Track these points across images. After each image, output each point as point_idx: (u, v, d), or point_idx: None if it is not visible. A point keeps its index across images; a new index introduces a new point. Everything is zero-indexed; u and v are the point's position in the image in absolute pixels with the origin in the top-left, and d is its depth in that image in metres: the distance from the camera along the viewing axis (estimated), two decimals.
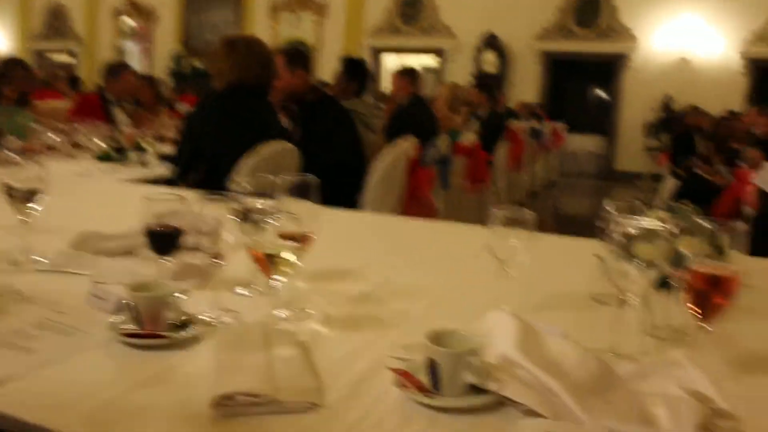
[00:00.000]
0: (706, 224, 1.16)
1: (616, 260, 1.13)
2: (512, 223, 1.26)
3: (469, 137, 5.78)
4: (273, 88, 3.84)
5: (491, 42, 14.13)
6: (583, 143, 14.70)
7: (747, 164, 5.33)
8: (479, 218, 5.68)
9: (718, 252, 1.65)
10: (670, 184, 8.51)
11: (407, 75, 5.46)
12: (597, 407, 0.89)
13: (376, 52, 15.25)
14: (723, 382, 1.10)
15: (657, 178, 10.76)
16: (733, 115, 9.48)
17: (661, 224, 1.14)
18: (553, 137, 11.19)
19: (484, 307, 1.29)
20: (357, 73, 4.70)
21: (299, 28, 15.68)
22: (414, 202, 4.52)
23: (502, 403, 0.94)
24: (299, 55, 4.06)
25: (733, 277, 1.04)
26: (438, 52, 14.92)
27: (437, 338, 0.98)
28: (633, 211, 1.44)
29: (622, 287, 1.14)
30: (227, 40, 3.36)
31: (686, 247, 1.20)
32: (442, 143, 5.14)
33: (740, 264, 1.75)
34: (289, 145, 3.31)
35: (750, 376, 1.15)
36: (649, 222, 1.13)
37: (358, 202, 3.78)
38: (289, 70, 3.86)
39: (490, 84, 7.96)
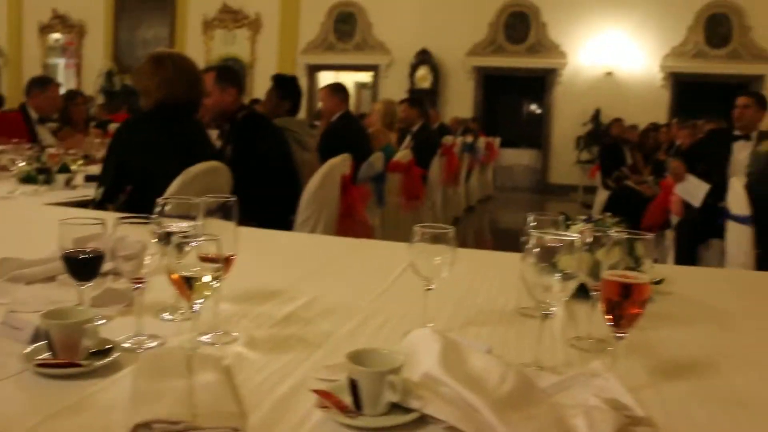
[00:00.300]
0: (624, 235, 1.18)
1: (538, 273, 1.15)
2: (434, 240, 1.27)
3: (404, 154, 5.81)
4: (202, 107, 3.80)
5: (425, 58, 14.29)
6: (518, 157, 14.97)
7: (671, 175, 5.50)
8: None
9: (636, 262, 1.70)
10: (601, 196, 8.74)
11: (337, 91, 5.45)
12: (518, 422, 0.90)
13: (312, 69, 15.25)
14: (642, 390, 1.13)
15: (590, 190, 11.03)
16: (655, 127, 9.80)
17: (579, 236, 1.16)
18: (487, 152, 11.36)
19: (411, 325, 1.30)
20: (289, 90, 4.68)
21: (234, 45, 15.57)
22: (349, 221, 4.51)
23: (425, 420, 0.95)
24: (229, 73, 4.02)
25: (644, 286, 1.07)
26: (373, 68, 15.02)
27: (358, 358, 0.97)
28: (554, 225, 1.47)
29: (542, 300, 1.15)
30: (154, 56, 3.29)
31: (605, 258, 1.22)
32: (377, 160, 5.15)
33: (660, 273, 1.81)
34: (220, 165, 3.27)
35: (668, 382, 1.18)
36: (567, 234, 1.15)
37: (293, 222, 3.76)
38: (219, 88, 3.82)
39: (422, 100, 8.01)
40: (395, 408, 0.96)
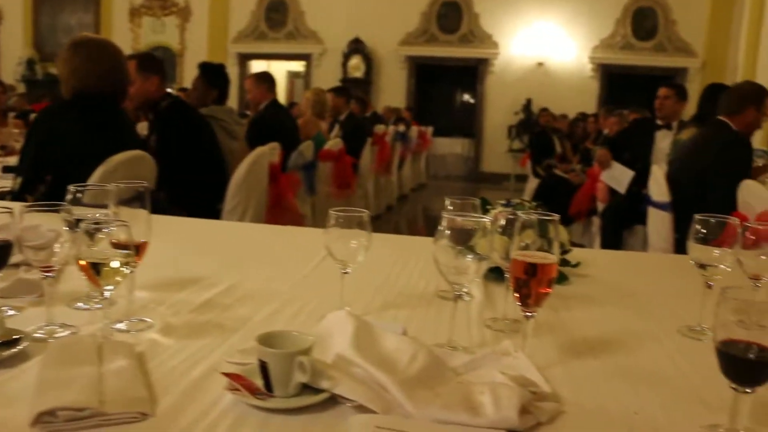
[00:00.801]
0: (540, 218, 1.21)
1: (451, 255, 1.17)
2: (349, 224, 1.28)
3: (335, 142, 5.80)
4: (126, 95, 3.72)
5: (357, 47, 14.29)
6: (451, 146, 15.12)
7: (597, 163, 5.66)
8: None
9: (549, 244, 1.75)
10: (532, 184, 8.91)
11: (263, 80, 5.40)
12: (425, 399, 0.92)
13: (243, 58, 15.06)
14: (552, 367, 1.17)
15: (522, 178, 11.23)
16: (583, 116, 10.04)
17: (493, 219, 1.19)
18: (420, 141, 11.44)
19: (329, 310, 1.31)
20: (216, 78, 4.62)
21: (163, 33, 15.23)
22: (279, 209, 4.49)
23: (335, 400, 0.96)
24: (151, 61, 3.95)
25: (550, 265, 1.11)
26: (305, 57, 14.93)
27: (268, 340, 0.98)
28: (470, 208, 1.50)
29: (455, 282, 1.18)
30: (74, 42, 3.19)
31: (521, 240, 1.25)
32: (306, 149, 5.14)
33: (579, 256, 1.86)
34: (144, 154, 3.20)
35: (577, 360, 1.22)
36: (479, 217, 1.18)
37: (221, 211, 3.72)
38: (141, 76, 3.75)
39: (348, 88, 8.01)
40: (306, 389, 0.97)
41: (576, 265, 1.81)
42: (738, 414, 0.93)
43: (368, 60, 14.31)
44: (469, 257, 1.15)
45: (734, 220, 1.36)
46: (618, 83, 14.17)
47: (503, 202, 1.83)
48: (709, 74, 12.64)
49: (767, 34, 11.76)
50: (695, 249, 1.39)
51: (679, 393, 1.10)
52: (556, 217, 1.13)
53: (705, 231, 1.37)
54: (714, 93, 4.64)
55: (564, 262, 1.78)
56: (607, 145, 5.68)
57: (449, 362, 1.06)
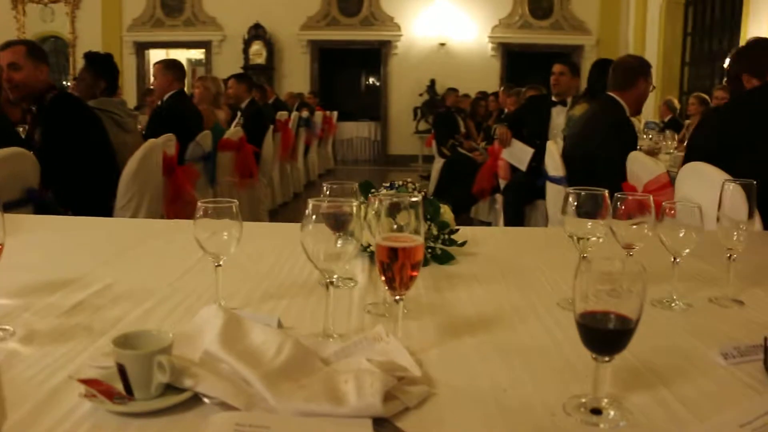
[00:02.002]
0: (411, 200, 1.20)
1: (323, 242, 1.15)
2: (219, 215, 1.24)
3: (234, 131, 5.69)
4: (7, 85, 3.53)
5: (258, 33, 14.05)
6: (357, 130, 15.13)
7: (497, 141, 5.75)
8: (253, 213, 5.59)
9: (440, 226, 1.76)
10: (438, 164, 9.00)
11: (170, 68, 5.22)
12: (289, 391, 0.90)
13: (140, 47, 14.58)
14: (429, 349, 1.17)
15: (429, 159, 11.33)
16: (483, 95, 10.20)
17: (367, 203, 1.18)
18: (325, 126, 11.38)
19: (206, 305, 1.27)
20: (103, 69, 4.43)
21: (53, 21, 14.54)
22: (178, 203, 4.38)
23: (198, 399, 0.93)
24: (40, 49, 3.76)
25: (413, 248, 1.10)
26: (205, 45, 14.58)
27: (126, 341, 0.94)
28: (349, 193, 1.48)
29: (325, 269, 1.16)
30: None
31: (395, 222, 1.24)
32: (204, 139, 5.02)
33: (466, 235, 1.88)
34: (23, 151, 3.05)
35: (456, 340, 1.23)
36: (349, 201, 1.16)
37: (113, 208, 3.59)
38: (32, 63, 3.56)
39: (249, 75, 7.88)
40: (170, 389, 0.93)
41: (462, 244, 1.82)
42: (600, 382, 0.95)
43: (270, 46, 14.10)
44: (339, 243, 1.13)
45: (603, 192, 1.39)
46: (518, 61, 14.47)
47: (387, 184, 1.83)
48: (603, 51, 13.05)
49: (652, 12, 12.27)
50: (569, 222, 1.41)
51: (552, 366, 1.12)
52: (419, 198, 1.12)
53: (576, 203, 1.40)
54: (602, 68, 4.78)
55: (450, 242, 1.79)
56: (506, 123, 5.78)
57: (321, 352, 1.05)
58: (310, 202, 1.12)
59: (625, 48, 13.16)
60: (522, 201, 5.30)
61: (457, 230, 1.84)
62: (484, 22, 14.30)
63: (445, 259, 1.74)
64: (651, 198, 1.43)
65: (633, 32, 13.12)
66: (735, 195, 1.51)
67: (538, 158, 5.11)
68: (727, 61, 3.28)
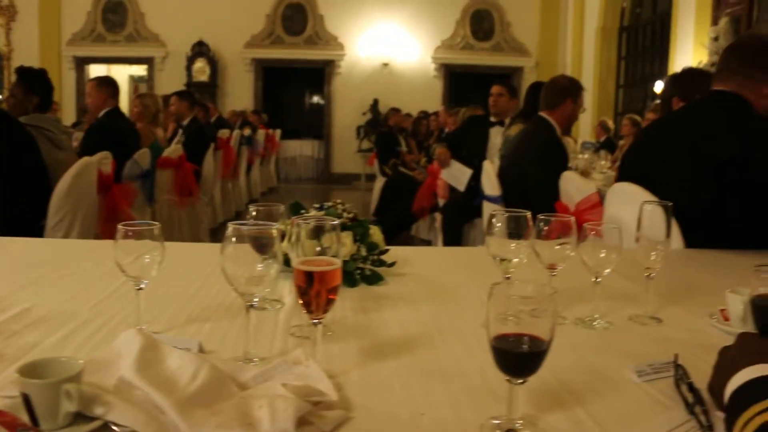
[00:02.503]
0: (332, 223, 1.20)
1: (244, 265, 1.14)
2: (139, 236, 1.22)
3: (174, 149, 5.61)
4: None
5: (202, 50, 13.94)
6: (301, 148, 15.10)
7: (436, 161, 5.80)
8: (193, 232, 5.49)
9: (369, 247, 1.76)
10: (380, 183, 9.04)
11: (104, 85, 5.13)
12: (202, 418, 0.88)
13: (80, 62, 14.30)
14: (349, 372, 1.16)
15: (372, 178, 11.37)
16: (425, 115, 10.30)
17: (280, 226, 1.17)
18: (268, 144, 11.33)
19: (127, 329, 1.24)
20: (36, 84, 4.31)
21: None
22: (114, 221, 4.28)
23: (108, 427, 0.90)
24: None
25: (330, 272, 1.10)
26: (147, 61, 14.39)
27: (33, 369, 0.91)
28: (276, 215, 1.47)
29: (245, 292, 1.15)
30: None
31: (318, 245, 1.23)
32: (142, 157, 4.93)
33: (397, 255, 1.88)
34: None
35: (378, 362, 1.22)
36: (270, 224, 1.15)
37: (44, 228, 3.49)
38: None
39: (191, 92, 7.80)
40: (80, 418, 0.90)
41: (391, 265, 1.82)
42: (515, 404, 0.96)
43: (213, 63, 14.00)
44: (260, 266, 1.12)
45: (526, 213, 1.41)
46: (460, 82, 14.68)
47: (317, 205, 1.82)
48: (543, 72, 13.35)
49: (588, 37, 12.62)
50: (493, 243, 1.43)
51: (472, 388, 1.12)
52: (337, 222, 1.12)
53: (500, 225, 1.42)
54: (537, 90, 4.87)
55: (380, 263, 1.79)
56: (445, 143, 5.84)
57: (240, 376, 1.03)
58: (230, 226, 1.11)
59: (563, 70, 13.46)
60: (460, 219, 5.35)
61: (387, 251, 1.84)
62: (427, 43, 14.47)
63: (374, 279, 1.74)
64: (573, 219, 1.46)
65: (571, 55, 13.46)
66: (653, 215, 1.55)
67: (477, 178, 5.18)
68: (661, 84, 3.43)
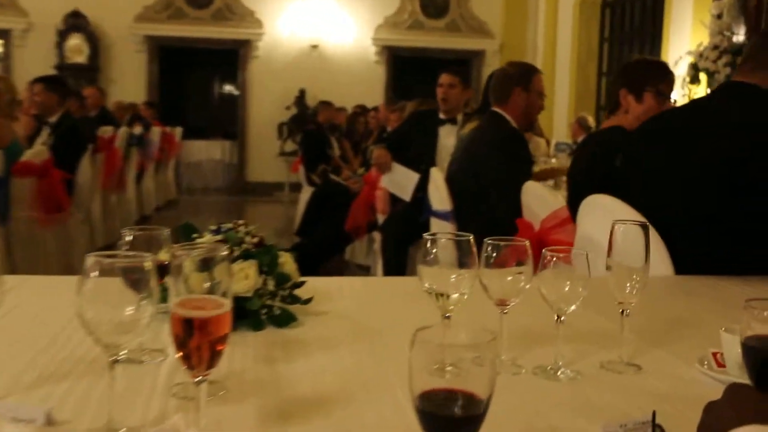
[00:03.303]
0: (216, 255, 1.18)
1: (109, 308, 1.11)
2: None
3: (37, 152, 5.50)
4: None
5: (78, 24, 13.68)
6: (208, 150, 14.99)
7: (374, 166, 5.82)
8: (64, 258, 5.38)
9: (279, 279, 1.75)
10: (306, 195, 9.02)
11: None
12: None
13: None
14: None
15: (297, 187, 11.34)
16: (363, 109, 10.34)
17: (156, 257, 1.15)
18: (166, 145, 11.21)
19: None
20: None
21: None
22: None
23: None
24: None
25: (217, 318, 1.08)
26: (3, 34, 14.02)
27: None
28: (156, 242, 1.45)
29: (113, 344, 1.12)
30: None
31: (205, 281, 1.21)
32: None
33: (321, 287, 1.87)
34: None
35: (282, 427, 1.21)
36: (141, 255, 1.13)
37: None
38: None
39: (64, 80, 7.66)
40: None
41: (308, 301, 1.81)
42: None
43: (93, 41, 13.78)
44: (130, 309, 1.09)
45: (468, 237, 1.42)
46: (407, 69, 14.80)
47: (214, 228, 1.80)
48: (508, 57, 13.50)
49: (564, 13, 12.86)
50: (427, 274, 1.43)
51: None
52: (225, 252, 1.11)
53: (436, 251, 1.42)
54: None
55: (293, 299, 1.78)
56: (385, 144, 5.86)
57: None
58: (89, 258, 1.09)
59: (533, 55, 13.70)
60: (405, 239, 5.36)
61: (302, 283, 1.83)
62: (365, 21, 14.55)
63: (284, 320, 1.73)
64: (527, 243, 1.47)
65: (543, 36, 13.70)
66: (628, 236, 1.58)
67: (423, 186, 5.21)
68: None
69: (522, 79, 4.19)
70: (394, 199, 5.72)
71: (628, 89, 3.35)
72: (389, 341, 1.67)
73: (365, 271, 7.32)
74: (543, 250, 1.47)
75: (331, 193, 8.00)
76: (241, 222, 1.81)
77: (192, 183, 14.57)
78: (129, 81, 14.05)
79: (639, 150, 2.74)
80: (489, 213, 3.78)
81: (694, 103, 3.15)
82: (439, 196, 4.19)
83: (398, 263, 5.35)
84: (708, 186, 2.44)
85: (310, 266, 6.52)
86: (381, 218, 5.93)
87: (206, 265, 1.12)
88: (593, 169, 3.21)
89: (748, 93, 2.52)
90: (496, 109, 4.13)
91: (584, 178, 3.20)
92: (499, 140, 4.00)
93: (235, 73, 14.84)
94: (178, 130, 12.78)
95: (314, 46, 14.37)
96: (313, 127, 9.79)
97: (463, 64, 14.45)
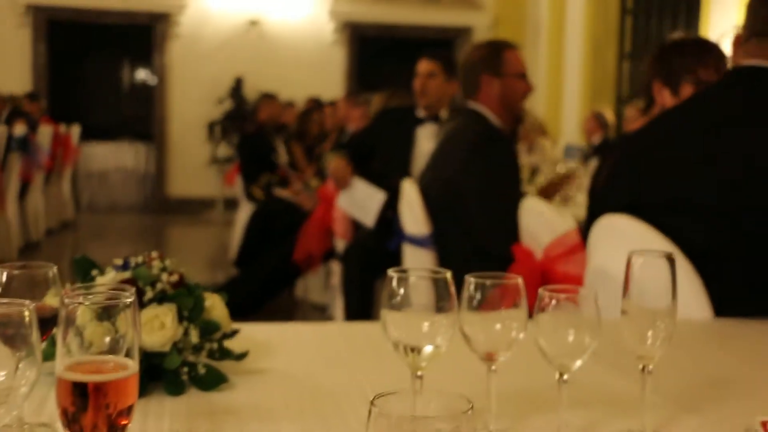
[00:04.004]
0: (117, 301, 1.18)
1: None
2: None
3: None
4: None
5: None
6: (116, 157, 14.93)
7: (332, 179, 5.83)
8: None
9: (205, 328, 1.76)
10: (245, 213, 9.01)
11: None
12: None
13: None
14: None
15: (233, 204, 11.32)
16: (317, 104, 10.35)
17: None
18: (60, 150, 11.15)
19: None
20: None
21: None
22: None
23: None
24: None
25: (120, 382, 1.09)
26: None
27: None
28: (40, 282, 1.45)
29: None
30: None
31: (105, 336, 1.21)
32: None
33: (255, 338, 1.88)
34: None
35: None
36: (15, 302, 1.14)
37: None
38: None
39: None
40: None
41: (242, 357, 1.82)
42: None
43: None
44: (1, 375, 1.10)
45: (444, 273, 1.43)
46: (375, 51, 14.84)
47: (120, 263, 1.81)
48: (503, 33, 13.60)
49: None
50: (393, 322, 1.44)
51: None
52: (132, 297, 1.11)
53: (403, 293, 1.43)
54: None
55: (222, 353, 1.78)
56: (345, 151, 5.87)
57: None
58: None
59: (534, 32, 13.80)
60: (372, 272, 5.37)
61: (235, 333, 1.84)
62: None
63: (211, 382, 1.73)
64: (520, 281, 1.48)
65: (548, 7, 13.77)
66: (648, 271, 1.59)
67: (394, 204, 5.21)
68: None
69: (488, 62, 4.19)
70: (356, 222, 5.72)
71: (663, 81, 3.33)
72: (346, 409, 1.67)
73: (321, 311, 7.31)
74: (539, 290, 1.48)
75: (276, 212, 7.99)
76: (155, 254, 1.81)
77: (95, 199, 14.50)
78: (8, 66, 13.95)
79: (659, 153, 2.76)
80: (476, 238, 3.79)
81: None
82: (414, 217, 4.20)
83: (362, 302, 5.35)
84: (762, 200, 2.47)
85: (250, 307, 6.49)
86: (341, 244, 5.93)
87: (107, 313, 1.12)
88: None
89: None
90: (472, 105, 4.15)
91: (609, 195, 3.22)
92: (473, 142, 4.00)
93: (151, 57, 14.80)
94: (76, 131, 12.68)
95: (253, 22, 14.37)
96: (253, 127, 9.78)
97: (445, 45, 14.54)
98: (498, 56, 4.21)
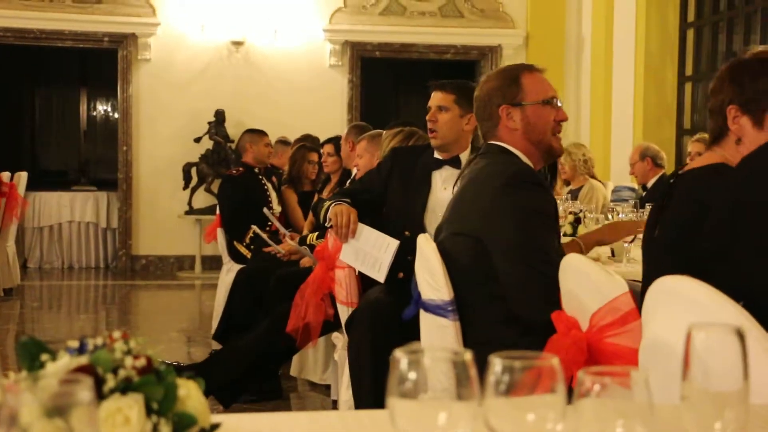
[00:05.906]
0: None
1: None
2: None
3: None
4: None
5: None
6: (72, 208, 14.94)
7: (332, 231, 5.82)
8: None
9: (178, 422, 1.77)
10: (230, 275, 9.03)
11: None
12: None
13: None
14: None
15: (214, 264, 11.36)
16: (313, 143, 10.37)
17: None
18: (3, 202, 11.19)
19: None
20: None
21: None
22: None
23: None
24: None
25: None
26: None
27: None
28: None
29: None
30: None
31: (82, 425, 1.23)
32: None
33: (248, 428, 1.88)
34: None
35: None
36: None
37: None
38: None
39: None
40: None
41: None
42: None
43: None
44: None
45: (464, 354, 1.43)
46: (382, 76, 14.89)
47: (75, 345, 1.81)
48: (537, 55, 13.65)
49: None
50: (399, 410, 1.44)
51: None
52: (89, 389, 1.12)
53: (412, 376, 1.44)
54: None
55: None
56: (347, 197, 5.86)
57: None
58: None
59: (577, 51, 13.85)
60: (384, 345, 5.33)
61: (215, 428, 1.84)
62: (317, 6, 14.62)
63: None
64: (557, 362, 1.48)
65: (591, 22, 13.80)
66: (713, 348, 1.58)
67: (410, 263, 5.20)
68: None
69: (504, 91, 4.13)
70: (364, 282, 5.71)
71: (740, 106, 3.24)
72: None
73: (323, 392, 7.29)
74: (579, 372, 1.48)
75: (266, 274, 7.99)
76: (118, 334, 1.82)
77: (48, 259, 14.51)
78: None
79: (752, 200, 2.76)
80: (507, 304, 3.75)
81: None
82: (432, 279, 4.19)
83: (374, 383, 5.32)
84: None
85: (235, 393, 6.43)
86: (345, 312, 5.91)
87: (59, 409, 1.13)
88: (683, 231, 3.16)
89: None
90: (493, 141, 4.13)
91: (668, 246, 3.20)
92: (499, 187, 3.96)
93: (114, 86, 14.82)
94: (23, 177, 12.69)
95: (237, 43, 14.44)
96: (237, 170, 9.79)
97: (468, 68, 14.56)
98: (515, 82, 4.14)
